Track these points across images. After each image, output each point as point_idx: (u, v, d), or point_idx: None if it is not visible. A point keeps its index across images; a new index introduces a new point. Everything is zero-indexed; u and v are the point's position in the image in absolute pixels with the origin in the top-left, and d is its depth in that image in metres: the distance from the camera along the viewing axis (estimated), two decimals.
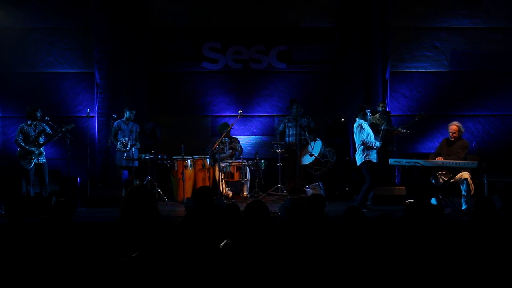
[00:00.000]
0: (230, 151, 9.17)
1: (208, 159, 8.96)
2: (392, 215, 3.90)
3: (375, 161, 7.78)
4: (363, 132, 7.71)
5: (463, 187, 7.35)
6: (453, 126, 7.63)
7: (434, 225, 4.01)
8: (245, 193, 8.87)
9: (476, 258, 3.68)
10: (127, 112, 8.75)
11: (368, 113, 7.91)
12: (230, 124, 9.15)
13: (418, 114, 8.44)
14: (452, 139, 7.63)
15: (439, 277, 3.51)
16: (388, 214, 3.86)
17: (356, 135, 7.78)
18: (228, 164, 8.85)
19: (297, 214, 4.31)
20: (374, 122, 8.59)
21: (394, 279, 3.46)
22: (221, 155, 8.82)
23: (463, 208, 7.28)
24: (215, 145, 8.77)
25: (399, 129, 8.45)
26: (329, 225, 4.35)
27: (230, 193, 8.74)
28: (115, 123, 8.75)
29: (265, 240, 3.74)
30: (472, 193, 7.34)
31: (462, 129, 7.66)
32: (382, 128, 8.33)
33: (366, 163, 7.73)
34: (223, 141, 8.93)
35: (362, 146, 7.71)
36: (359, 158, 7.80)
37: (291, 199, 7.84)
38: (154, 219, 3.73)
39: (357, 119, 7.87)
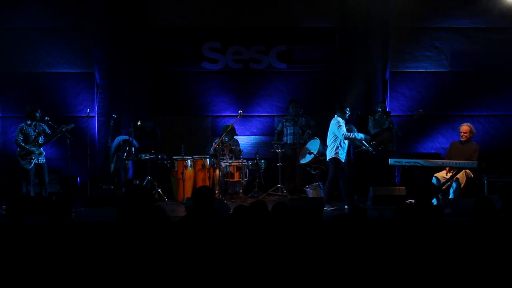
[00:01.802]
0: (230, 154, 9.11)
1: (208, 159, 8.96)
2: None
3: (342, 160, 7.93)
4: (341, 129, 7.84)
5: (455, 182, 7.47)
6: (465, 127, 7.71)
7: (435, 225, 4.01)
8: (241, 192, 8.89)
9: (474, 258, 3.68)
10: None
11: (347, 112, 8.00)
12: (231, 125, 9.12)
13: (417, 113, 8.46)
14: (464, 139, 7.67)
15: (439, 277, 3.51)
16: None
17: (335, 131, 7.87)
18: (228, 164, 8.85)
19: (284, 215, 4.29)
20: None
21: (394, 279, 3.46)
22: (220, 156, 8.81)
23: (450, 197, 7.40)
24: (215, 145, 8.75)
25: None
26: (325, 227, 4.35)
27: (217, 193, 8.68)
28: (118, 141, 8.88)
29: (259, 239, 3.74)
30: (462, 186, 7.49)
31: (474, 130, 7.77)
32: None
33: (334, 160, 7.89)
34: (223, 141, 8.91)
35: (334, 142, 7.86)
36: (329, 153, 7.96)
37: (291, 200, 7.86)
38: (157, 217, 3.73)
39: (335, 115, 7.98)
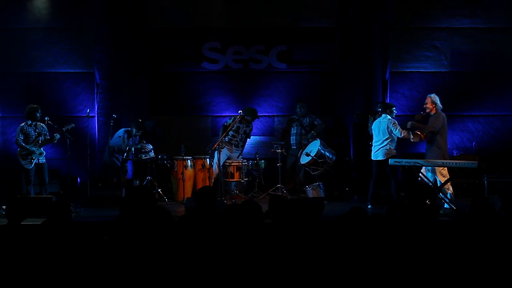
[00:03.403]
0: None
1: (208, 159, 8.96)
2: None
3: None
4: (398, 128, 7.90)
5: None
6: (427, 98, 7.77)
7: (427, 225, 3.99)
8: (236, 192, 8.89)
9: (470, 259, 3.67)
10: (134, 130, 8.82)
11: (394, 111, 8.12)
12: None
13: (417, 115, 8.46)
14: (428, 111, 7.79)
15: (434, 278, 3.51)
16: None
17: (393, 130, 7.90)
18: (228, 164, 8.85)
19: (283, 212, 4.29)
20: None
21: (393, 280, 3.46)
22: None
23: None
24: (215, 145, 8.74)
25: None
26: (327, 226, 4.36)
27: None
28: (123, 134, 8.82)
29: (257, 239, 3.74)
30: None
31: (435, 100, 7.78)
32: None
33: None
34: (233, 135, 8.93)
35: (390, 143, 7.90)
36: (381, 154, 7.93)
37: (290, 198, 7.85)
38: (160, 217, 3.73)
39: (383, 115, 8.00)
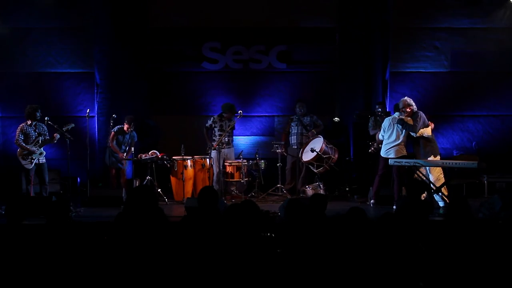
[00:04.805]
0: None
1: (208, 159, 8.95)
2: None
3: None
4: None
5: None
6: (402, 102, 7.75)
7: (422, 221, 3.99)
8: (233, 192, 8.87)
9: (468, 259, 3.67)
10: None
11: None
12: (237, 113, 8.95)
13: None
14: (406, 114, 7.71)
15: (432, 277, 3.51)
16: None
17: (409, 129, 7.79)
18: (228, 164, 8.85)
19: (298, 213, 4.30)
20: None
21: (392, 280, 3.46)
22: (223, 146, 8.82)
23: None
24: (215, 145, 8.73)
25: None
26: (329, 225, 4.35)
27: None
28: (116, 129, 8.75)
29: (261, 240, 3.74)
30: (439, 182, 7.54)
31: (409, 102, 7.71)
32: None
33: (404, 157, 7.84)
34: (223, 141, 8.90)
35: (403, 142, 7.81)
36: (392, 152, 7.84)
37: (291, 199, 7.85)
38: (157, 217, 3.73)
39: (397, 113, 7.92)
